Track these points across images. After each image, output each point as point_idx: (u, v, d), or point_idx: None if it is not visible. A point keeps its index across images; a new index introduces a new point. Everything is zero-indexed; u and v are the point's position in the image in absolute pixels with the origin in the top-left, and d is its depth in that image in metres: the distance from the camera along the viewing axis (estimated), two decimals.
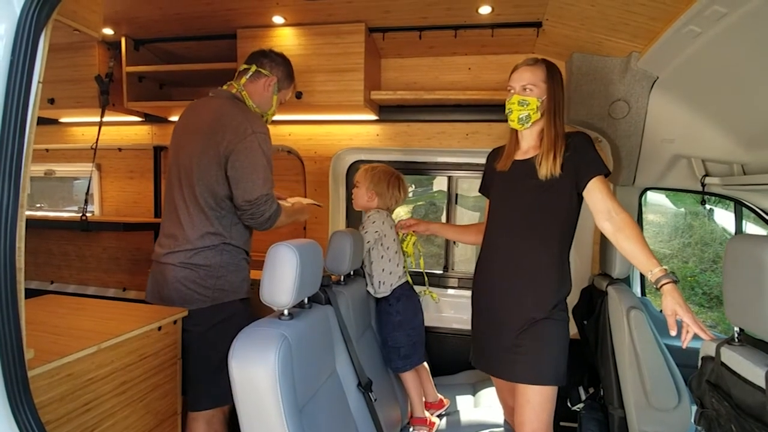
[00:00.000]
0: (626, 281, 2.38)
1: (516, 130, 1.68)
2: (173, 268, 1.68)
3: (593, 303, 2.16)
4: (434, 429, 1.94)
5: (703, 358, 1.33)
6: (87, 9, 1.34)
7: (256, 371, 1.06)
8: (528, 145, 1.66)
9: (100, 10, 1.38)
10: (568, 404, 2.16)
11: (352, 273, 1.90)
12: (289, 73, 1.91)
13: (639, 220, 2.52)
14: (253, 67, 1.82)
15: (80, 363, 1.20)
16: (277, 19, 2.23)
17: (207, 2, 2.07)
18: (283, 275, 1.18)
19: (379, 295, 1.97)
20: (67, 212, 3.32)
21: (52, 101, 2.49)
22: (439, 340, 2.67)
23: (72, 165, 3.05)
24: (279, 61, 1.87)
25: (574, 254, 2.62)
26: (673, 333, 1.32)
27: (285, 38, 2.29)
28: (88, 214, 2.81)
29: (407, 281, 2.04)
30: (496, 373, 1.65)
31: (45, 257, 3.16)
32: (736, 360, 1.17)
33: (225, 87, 1.81)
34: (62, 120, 2.88)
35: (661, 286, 1.36)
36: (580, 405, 2.07)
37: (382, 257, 1.96)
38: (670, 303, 1.32)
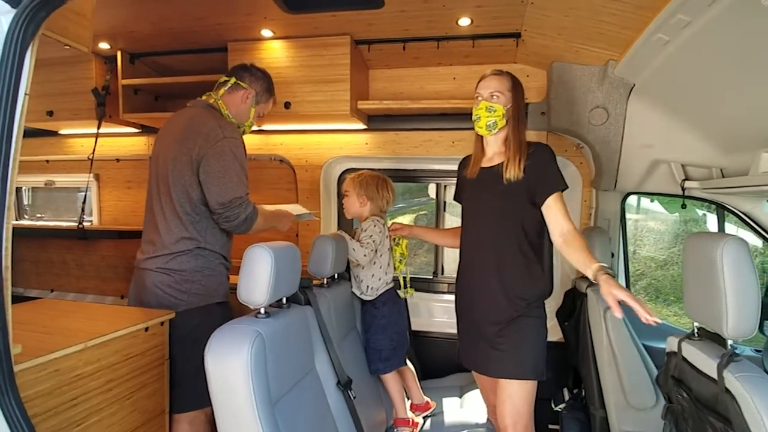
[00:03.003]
0: None
1: (481, 139, 1.78)
2: (151, 273, 1.74)
3: (575, 305, 2.20)
4: (417, 429, 1.97)
5: (667, 354, 1.37)
6: (77, 25, 1.42)
7: (230, 365, 1.11)
8: (493, 151, 1.75)
9: (90, 26, 1.47)
10: (552, 405, 2.19)
11: (336, 276, 1.95)
12: (267, 88, 1.98)
13: (622, 224, 2.56)
14: (232, 80, 1.90)
15: (67, 360, 1.26)
16: (266, 33, 2.32)
17: (198, 17, 2.16)
18: (258, 275, 1.24)
19: (364, 297, 2.03)
20: (70, 222, 3.40)
21: (50, 113, 2.58)
22: (429, 343, 2.71)
23: (72, 175, 3.14)
24: (259, 75, 1.95)
25: (560, 257, 2.67)
26: (618, 314, 1.36)
27: (274, 51, 2.38)
28: (86, 224, 2.90)
29: (393, 287, 2.10)
30: (479, 369, 1.71)
31: (45, 266, 3.24)
32: (694, 354, 1.21)
33: (203, 97, 1.88)
34: (62, 132, 2.98)
35: (598, 278, 1.43)
36: (562, 405, 2.10)
37: (374, 264, 2.02)
38: (606, 288, 1.38)
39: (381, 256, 2.03)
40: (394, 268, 2.12)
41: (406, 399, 2.06)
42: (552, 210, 1.62)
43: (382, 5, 1.98)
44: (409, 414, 2.01)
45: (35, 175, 3.29)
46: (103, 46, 2.47)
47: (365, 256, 1.93)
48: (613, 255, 2.46)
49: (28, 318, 1.51)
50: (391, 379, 1.97)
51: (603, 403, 1.96)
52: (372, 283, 2.01)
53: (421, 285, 2.83)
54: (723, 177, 2.17)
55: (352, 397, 1.56)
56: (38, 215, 3.48)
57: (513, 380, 1.58)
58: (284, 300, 1.43)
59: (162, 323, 1.62)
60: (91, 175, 3.02)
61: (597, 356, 1.96)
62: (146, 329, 1.54)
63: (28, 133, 3.03)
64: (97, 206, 3.17)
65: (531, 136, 2.54)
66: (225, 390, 1.12)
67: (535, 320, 1.63)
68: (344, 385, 1.55)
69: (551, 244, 1.67)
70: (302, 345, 1.45)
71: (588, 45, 2.12)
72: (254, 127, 2.13)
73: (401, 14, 2.09)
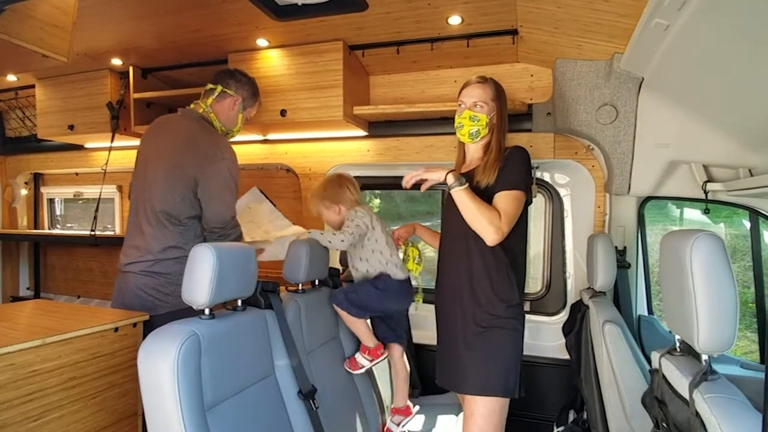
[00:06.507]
0: (626, 298, 2.21)
1: (463, 145, 1.75)
2: (135, 276, 1.78)
3: (577, 318, 2.02)
4: (378, 360, 1.91)
5: (650, 372, 1.20)
6: (54, 36, 1.49)
7: (157, 364, 1.08)
8: (472, 157, 1.72)
9: (68, 38, 1.54)
10: (554, 428, 2.01)
11: (317, 282, 1.90)
12: (253, 93, 2.01)
13: (641, 232, 2.34)
14: (219, 88, 1.93)
15: (23, 355, 1.29)
16: (262, 42, 2.36)
17: (194, 29, 2.23)
18: (200, 274, 1.21)
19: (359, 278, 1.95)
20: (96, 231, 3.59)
21: (71, 127, 2.77)
22: (433, 357, 2.59)
23: (98, 187, 3.33)
24: (244, 81, 1.98)
25: (570, 270, 2.49)
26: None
27: (270, 60, 2.41)
28: (109, 233, 3.05)
29: (408, 279, 1.97)
30: (447, 385, 1.59)
31: (73, 273, 3.45)
32: (671, 371, 1.05)
33: (192, 106, 1.92)
34: (87, 145, 3.18)
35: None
36: (561, 429, 1.92)
37: (364, 247, 1.91)
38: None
39: (376, 240, 1.90)
40: (410, 271, 2.02)
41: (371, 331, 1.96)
42: (495, 204, 1.53)
43: (366, 7, 1.96)
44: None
45: (66, 187, 3.53)
46: (116, 62, 2.62)
47: (342, 241, 1.81)
48: (629, 266, 2.25)
49: (8, 316, 1.57)
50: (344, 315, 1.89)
51: (607, 428, 1.76)
52: (370, 267, 1.90)
53: (426, 296, 2.72)
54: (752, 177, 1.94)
55: (314, 407, 1.49)
56: (68, 225, 3.72)
57: (477, 396, 1.45)
58: (239, 302, 1.40)
59: (134, 325, 1.63)
60: (114, 186, 3.20)
61: (600, 375, 1.78)
62: (116, 330, 1.56)
63: (59, 148, 3.27)
64: (119, 216, 3.34)
65: (538, 138, 2.42)
66: (153, 390, 1.09)
67: (507, 332, 1.49)
68: (306, 395, 1.49)
69: (525, 250, 1.57)
70: (257, 349, 1.41)
71: (589, 38, 1.99)
72: (249, 138, 2.17)
73: (387, 16, 2.05)
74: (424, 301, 2.68)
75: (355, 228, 1.83)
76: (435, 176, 1.55)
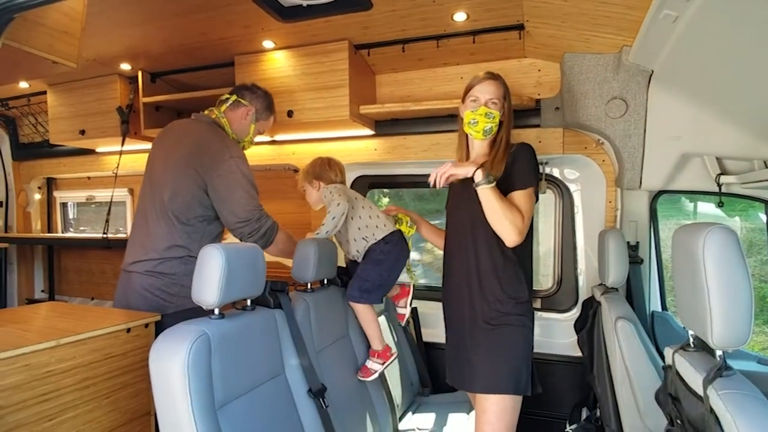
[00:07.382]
0: (639, 294, 2.18)
1: (467, 141, 1.74)
2: (140, 276, 1.80)
3: (589, 314, 2.00)
4: (389, 361, 1.91)
5: (663, 368, 1.18)
6: (63, 43, 1.52)
7: (168, 364, 1.09)
8: (477, 154, 1.71)
9: (77, 44, 1.56)
10: (567, 426, 1.99)
11: (325, 281, 1.91)
12: (267, 106, 2.05)
13: (654, 227, 2.31)
14: (234, 97, 1.98)
15: (38, 356, 1.31)
16: (268, 44, 2.37)
17: (201, 33, 2.25)
18: (209, 275, 1.22)
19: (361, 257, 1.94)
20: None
21: (83, 132, 2.81)
22: (442, 356, 2.58)
23: (109, 190, 3.37)
24: (259, 94, 2.02)
25: (581, 266, 2.46)
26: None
27: (277, 61, 2.42)
28: (121, 235, 3.09)
29: (398, 230, 1.96)
30: (457, 384, 1.58)
31: (87, 275, 3.51)
32: (684, 367, 1.04)
33: (206, 112, 1.96)
34: (98, 150, 3.22)
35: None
36: (573, 426, 1.90)
37: (359, 218, 1.92)
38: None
39: (360, 217, 1.91)
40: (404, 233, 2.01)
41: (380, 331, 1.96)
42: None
43: (371, 6, 1.96)
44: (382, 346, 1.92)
45: (78, 191, 3.59)
46: (125, 66, 2.65)
47: (339, 205, 1.81)
48: (641, 261, 2.23)
49: (23, 318, 1.60)
50: (361, 310, 1.89)
51: (620, 425, 1.74)
52: (359, 245, 1.91)
53: (430, 294, 2.73)
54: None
55: (324, 406, 1.50)
56: (81, 228, 3.78)
57: (488, 395, 1.44)
58: (248, 302, 1.41)
59: (146, 325, 1.65)
60: (125, 189, 3.24)
61: (612, 371, 1.76)
62: (128, 330, 1.58)
63: (71, 152, 3.32)
64: (131, 219, 3.38)
65: (546, 133, 2.40)
66: (164, 390, 1.10)
67: (516, 329, 1.48)
68: (316, 393, 1.49)
69: (531, 247, 1.56)
70: (267, 348, 1.41)
71: (596, 31, 1.96)
72: (256, 139, 2.19)
73: (393, 14, 2.05)
74: (431, 299, 2.69)
75: (337, 195, 1.84)
76: (463, 171, 1.52)
